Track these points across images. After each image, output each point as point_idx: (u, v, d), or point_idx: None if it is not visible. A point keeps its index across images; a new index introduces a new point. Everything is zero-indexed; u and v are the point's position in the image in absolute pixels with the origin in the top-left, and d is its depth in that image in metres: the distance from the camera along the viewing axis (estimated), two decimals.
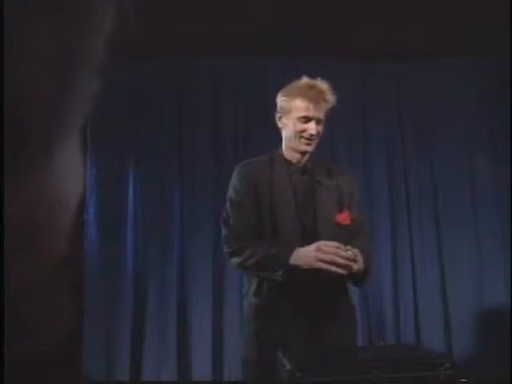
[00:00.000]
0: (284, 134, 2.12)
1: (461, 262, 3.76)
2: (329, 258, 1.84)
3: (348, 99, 3.90)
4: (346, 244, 1.98)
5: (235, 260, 2.02)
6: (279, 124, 2.13)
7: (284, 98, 2.10)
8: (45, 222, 0.27)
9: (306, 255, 1.88)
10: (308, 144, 2.06)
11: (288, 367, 1.45)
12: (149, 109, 3.83)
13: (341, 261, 1.83)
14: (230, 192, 2.11)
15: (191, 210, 3.73)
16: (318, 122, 2.05)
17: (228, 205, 2.10)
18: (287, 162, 2.10)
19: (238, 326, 3.16)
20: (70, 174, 0.28)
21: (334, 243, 1.88)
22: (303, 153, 2.09)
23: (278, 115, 2.14)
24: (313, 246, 1.89)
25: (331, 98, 2.06)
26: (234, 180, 2.11)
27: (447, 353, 3.44)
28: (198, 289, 3.64)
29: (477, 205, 3.87)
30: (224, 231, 2.09)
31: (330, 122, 4.13)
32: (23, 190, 0.25)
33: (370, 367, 1.44)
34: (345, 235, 2.03)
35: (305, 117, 2.04)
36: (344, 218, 2.06)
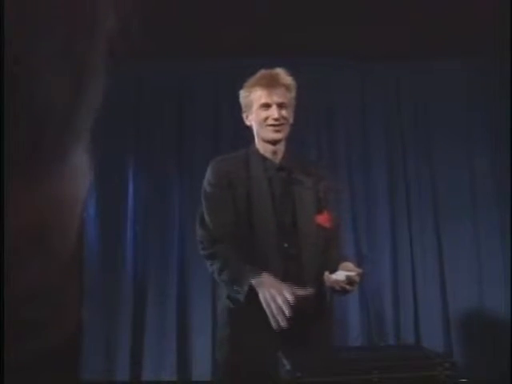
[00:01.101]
0: (254, 130, 2.09)
1: (461, 263, 3.77)
2: (279, 306, 1.72)
3: (348, 99, 3.93)
4: (325, 246, 1.97)
5: (209, 265, 1.99)
6: (247, 122, 2.11)
7: (243, 95, 2.08)
8: (55, 224, 0.27)
9: (266, 288, 1.76)
10: (276, 131, 2.01)
11: (288, 367, 1.45)
12: (149, 109, 3.83)
13: (286, 314, 1.71)
14: (205, 188, 2.06)
15: (191, 209, 3.73)
16: (279, 106, 2.00)
17: (203, 202, 2.05)
18: (262, 157, 2.06)
19: None
20: (80, 176, 0.28)
21: (303, 293, 1.76)
22: (273, 142, 2.04)
23: (244, 114, 2.11)
24: (281, 285, 1.77)
25: (287, 80, 2.03)
26: (209, 176, 2.05)
27: (447, 353, 3.44)
28: (197, 289, 3.64)
29: (477, 205, 3.87)
30: (199, 231, 2.04)
31: (330, 122, 4.15)
32: (35, 192, 0.25)
33: (370, 367, 1.44)
34: (324, 237, 2.00)
35: (264, 104, 2.01)
36: (324, 219, 2.01)
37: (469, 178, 3.90)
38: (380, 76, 3.98)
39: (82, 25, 0.25)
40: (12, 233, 0.24)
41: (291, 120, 2.07)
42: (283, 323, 1.71)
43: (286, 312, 1.70)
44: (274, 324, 1.74)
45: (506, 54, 3.33)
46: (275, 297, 1.73)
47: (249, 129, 2.13)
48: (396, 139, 3.97)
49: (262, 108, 2.01)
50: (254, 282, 1.81)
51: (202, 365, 3.55)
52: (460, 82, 3.94)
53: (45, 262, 0.27)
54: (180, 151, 3.83)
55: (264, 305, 1.75)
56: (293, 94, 2.05)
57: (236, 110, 3.82)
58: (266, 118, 2.01)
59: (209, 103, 3.87)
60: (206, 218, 2.02)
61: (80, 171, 0.28)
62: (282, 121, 2.01)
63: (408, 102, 4.00)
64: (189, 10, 3.13)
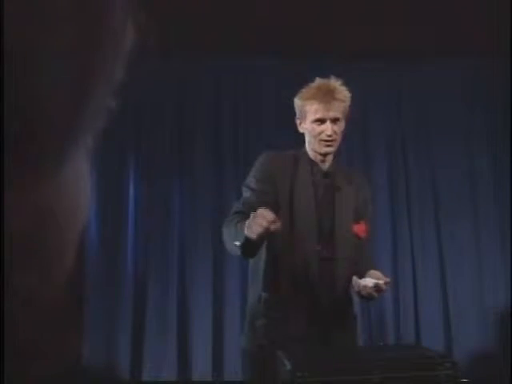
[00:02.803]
0: (306, 137, 2.12)
1: (461, 262, 3.77)
2: (258, 222, 1.66)
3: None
4: (357, 254, 2.02)
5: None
6: (300, 129, 2.12)
7: (298, 104, 2.10)
8: (54, 233, 0.27)
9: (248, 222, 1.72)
10: (328, 146, 2.05)
11: (288, 367, 1.45)
12: (149, 110, 3.83)
13: (264, 224, 1.65)
14: (250, 180, 2.06)
15: (191, 210, 3.73)
16: (333, 121, 2.03)
17: (244, 192, 2.04)
18: (311, 161, 2.10)
19: (239, 326, 3.16)
20: (81, 182, 0.28)
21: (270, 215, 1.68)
22: (325, 154, 2.09)
23: (297, 121, 2.13)
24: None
25: (342, 94, 2.05)
26: (256, 170, 2.07)
27: (447, 353, 3.44)
28: (198, 288, 3.64)
29: (477, 205, 3.87)
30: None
31: None
32: (34, 200, 0.25)
33: (370, 367, 1.44)
34: (358, 245, 2.05)
35: (318, 119, 2.03)
36: (361, 229, 2.06)
37: (469, 178, 3.90)
38: (380, 75, 3.98)
39: (89, 24, 0.25)
40: (11, 238, 0.24)
41: (343, 128, 2.09)
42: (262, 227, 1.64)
43: (264, 221, 1.63)
44: (253, 231, 1.66)
45: (506, 54, 3.33)
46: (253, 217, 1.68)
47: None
48: (396, 139, 3.97)
49: (317, 122, 2.03)
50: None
51: (201, 365, 3.55)
52: (460, 82, 3.94)
53: (43, 269, 0.26)
54: (180, 151, 3.83)
55: (246, 231, 1.69)
56: (347, 102, 2.08)
57: (236, 109, 3.85)
58: (320, 133, 2.03)
59: (209, 104, 3.87)
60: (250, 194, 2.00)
61: (81, 174, 0.28)
62: (335, 136, 2.05)
63: (408, 102, 4.00)
64: (189, 10, 3.13)
